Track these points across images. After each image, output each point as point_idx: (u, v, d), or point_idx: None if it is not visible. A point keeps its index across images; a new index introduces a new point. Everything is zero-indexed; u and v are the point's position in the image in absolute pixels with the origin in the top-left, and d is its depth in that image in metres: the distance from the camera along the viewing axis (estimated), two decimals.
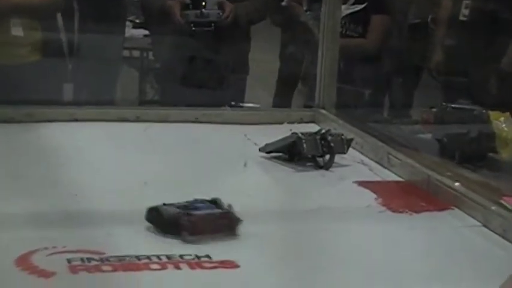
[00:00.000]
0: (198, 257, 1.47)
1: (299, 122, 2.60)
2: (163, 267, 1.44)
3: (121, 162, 2.10)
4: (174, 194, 1.84)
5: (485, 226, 1.75)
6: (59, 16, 3.63)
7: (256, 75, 4.46)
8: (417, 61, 4.75)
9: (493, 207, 1.75)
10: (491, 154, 2.66)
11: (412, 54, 4.74)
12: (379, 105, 4.59)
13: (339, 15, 2.83)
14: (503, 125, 2.69)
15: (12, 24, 3.06)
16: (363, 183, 2.03)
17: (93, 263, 1.44)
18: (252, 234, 1.59)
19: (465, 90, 4.00)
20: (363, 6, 4.39)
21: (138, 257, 1.46)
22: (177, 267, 1.44)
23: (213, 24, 4.07)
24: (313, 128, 2.41)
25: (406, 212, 1.84)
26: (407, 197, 1.95)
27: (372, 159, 2.25)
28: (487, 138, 2.67)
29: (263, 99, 4.50)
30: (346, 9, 4.14)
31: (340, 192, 2.00)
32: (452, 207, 1.86)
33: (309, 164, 2.16)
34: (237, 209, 1.60)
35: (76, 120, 2.46)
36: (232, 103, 2.86)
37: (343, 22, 3.82)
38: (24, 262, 1.42)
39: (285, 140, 2.18)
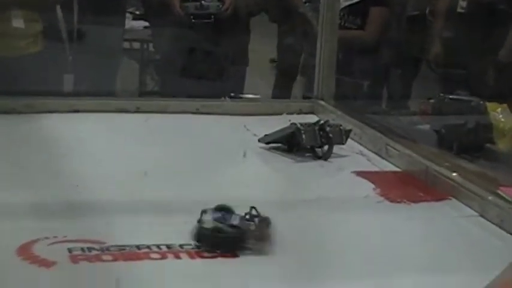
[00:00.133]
0: (198, 247, 1.47)
1: (298, 113, 2.60)
2: (163, 256, 1.44)
3: (121, 152, 2.10)
4: (173, 184, 1.85)
5: (482, 216, 1.75)
6: (58, 8, 3.62)
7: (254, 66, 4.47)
8: (415, 53, 4.75)
9: (490, 198, 1.76)
10: (488, 145, 2.67)
11: (411, 46, 4.74)
12: (378, 96, 4.59)
13: (337, 7, 2.83)
14: (500, 116, 2.69)
15: (13, 16, 3.05)
16: (361, 174, 2.03)
17: (94, 252, 1.44)
18: None
19: (463, 82, 4.00)
20: None
21: (138, 247, 1.46)
22: (177, 257, 1.45)
23: (212, 16, 4.07)
24: (312, 119, 2.41)
25: (404, 202, 1.84)
26: (405, 187, 1.96)
27: (370, 149, 2.25)
28: (484, 129, 2.67)
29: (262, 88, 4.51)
30: (344, 1, 4.13)
31: (339, 183, 2.00)
32: (449, 197, 1.86)
33: (307, 154, 2.16)
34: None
35: (77, 111, 2.46)
36: (232, 94, 2.86)
37: (341, 14, 3.82)
38: (25, 252, 1.42)
39: (284, 130, 2.18)
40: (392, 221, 1.73)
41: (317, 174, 2.05)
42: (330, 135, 2.15)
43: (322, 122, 2.21)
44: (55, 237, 1.49)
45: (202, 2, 4.07)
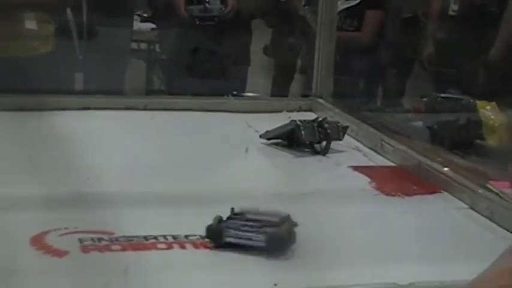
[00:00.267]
0: (203, 237, 1.47)
1: (297, 111, 2.60)
2: (170, 246, 1.45)
3: (130, 148, 2.10)
4: (179, 177, 1.85)
5: (472, 208, 1.75)
6: (68, 10, 3.62)
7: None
8: (409, 53, 4.75)
9: (480, 191, 1.76)
10: (478, 141, 2.67)
11: (405, 46, 4.74)
12: (373, 94, 4.59)
13: (335, 10, 2.82)
14: (490, 114, 2.70)
15: (26, 18, 3.05)
16: (357, 168, 2.03)
17: (103, 242, 1.44)
18: None
19: (454, 81, 4.00)
20: (358, 1, 4.39)
21: (145, 237, 1.46)
22: (183, 247, 1.45)
23: (215, 18, 4.07)
24: (310, 116, 2.41)
25: (398, 195, 1.84)
26: (399, 181, 1.96)
27: (366, 145, 2.25)
28: (474, 126, 2.68)
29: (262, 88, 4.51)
30: (342, 4, 4.13)
31: (336, 177, 2.00)
32: (441, 190, 1.86)
33: (306, 150, 2.16)
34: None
35: (87, 108, 2.46)
36: (235, 92, 2.86)
37: (339, 16, 3.82)
38: (38, 242, 1.43)
39: (284, 127, 2.18)
40: (387, 213, 1.74)
41: (315, 169, 2.06)
42: (328, 131, 2.15)
43: (320, 119, 2.21)
44: (66, 228, 1.49)
45: (206, 5, 4.07)
